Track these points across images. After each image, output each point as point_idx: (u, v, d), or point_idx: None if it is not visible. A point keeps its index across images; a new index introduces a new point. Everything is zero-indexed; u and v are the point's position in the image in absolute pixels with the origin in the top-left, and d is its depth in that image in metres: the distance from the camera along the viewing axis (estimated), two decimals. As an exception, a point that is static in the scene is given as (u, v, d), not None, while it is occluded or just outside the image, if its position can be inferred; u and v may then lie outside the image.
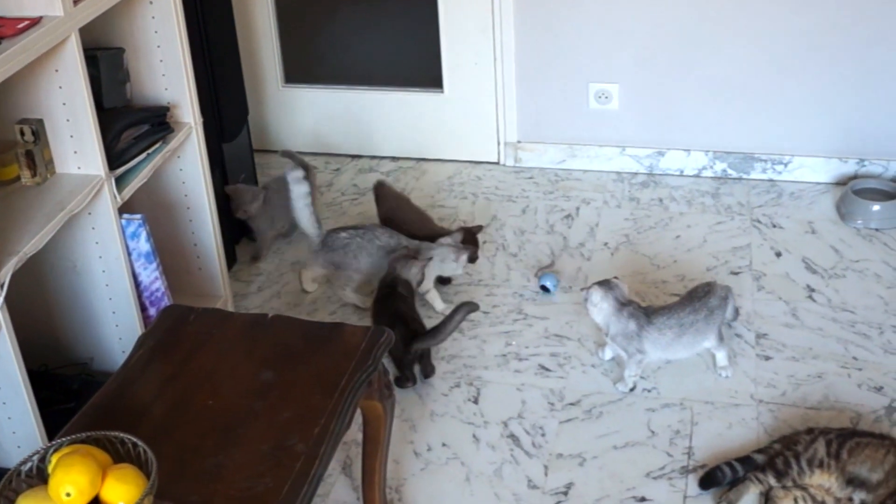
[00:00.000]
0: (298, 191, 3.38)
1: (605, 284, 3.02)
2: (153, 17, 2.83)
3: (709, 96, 4.06)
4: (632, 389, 3.03)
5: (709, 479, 2.69)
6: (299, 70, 4.44)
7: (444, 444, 2.89)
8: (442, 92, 4.29)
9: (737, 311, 3.24)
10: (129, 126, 2.74)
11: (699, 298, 3.02)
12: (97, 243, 2.68)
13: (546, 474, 2.78)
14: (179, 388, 2.21)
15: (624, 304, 2.99)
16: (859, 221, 3.79)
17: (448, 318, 3.07)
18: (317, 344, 2.30)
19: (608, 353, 3.11)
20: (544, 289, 3.47)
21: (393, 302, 3.16)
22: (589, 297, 3.00)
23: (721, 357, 3.06)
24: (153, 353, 2.30)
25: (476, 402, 3.04)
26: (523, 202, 4.04)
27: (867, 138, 4.01)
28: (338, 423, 2.09)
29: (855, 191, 3.87)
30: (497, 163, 4.36)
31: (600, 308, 2.99)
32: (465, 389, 3.08)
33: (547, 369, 3.15)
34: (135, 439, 1.86)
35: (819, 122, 4.03)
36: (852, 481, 2.51)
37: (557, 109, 4.21)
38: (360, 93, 4.38)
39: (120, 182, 2.68)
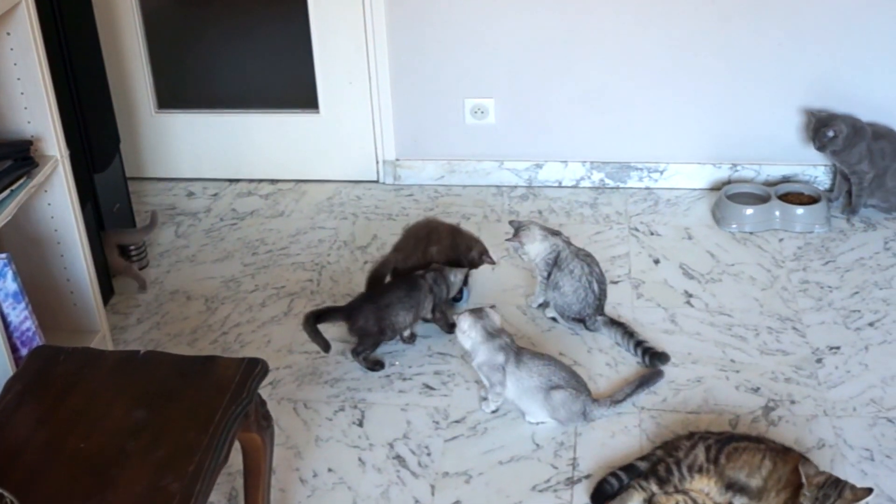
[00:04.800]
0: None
1: (475, 312, 3.00)
2: (11, 49, 2.76)
3: (584, 108, 4.11)
4: (494, 411, 3.04)
5: (598, 494, 2.71)
6: (172, 95, 4.38)
7: (330, 470, 2.86)
8: (318, 112, 4.27)
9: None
10: (-10, 163, 2.67)
11: (580, 384, 2.98)
12: (-38, 285, 2.61)
13: (433, 494, 2.77)
14: (50, 432, 2.15)
15: (493, 335, 2.98)
16: (734, 226, 3.87)
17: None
18: (190, 379, 2.26)
19: (491, 406, 3.06)
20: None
21: (398, 288, 3.27)
22: (458, 325, 2.99)
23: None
24: (22, 398, 2.24)
25: (361, 424, 3.02)
26: (404, 220, 4.04)
27: (739, 144, 4.11)
28: (213, 459, 2.06)
29: (729, 196, 3.95)
30: (376, 181, 4.36)
31: (468, 336, 2.97)
32: (349, 413, 3.06)
33: (431, 388, 3.15)
34: (1, 490, 1.81)
35: (692, 130, 4.11)
36: (731, 486, 2.55)
37: (434, 126, 4.23)
38: (236, 116, 4.34)
39: (-18, 221, 2.61)
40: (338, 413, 3.07)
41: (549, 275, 3.33)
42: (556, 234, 3.36)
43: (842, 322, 3.34)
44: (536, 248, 3.34)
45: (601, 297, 3.31)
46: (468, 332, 2.97)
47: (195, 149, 4.40)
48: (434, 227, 3.53)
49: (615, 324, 3.29)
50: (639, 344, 3.21)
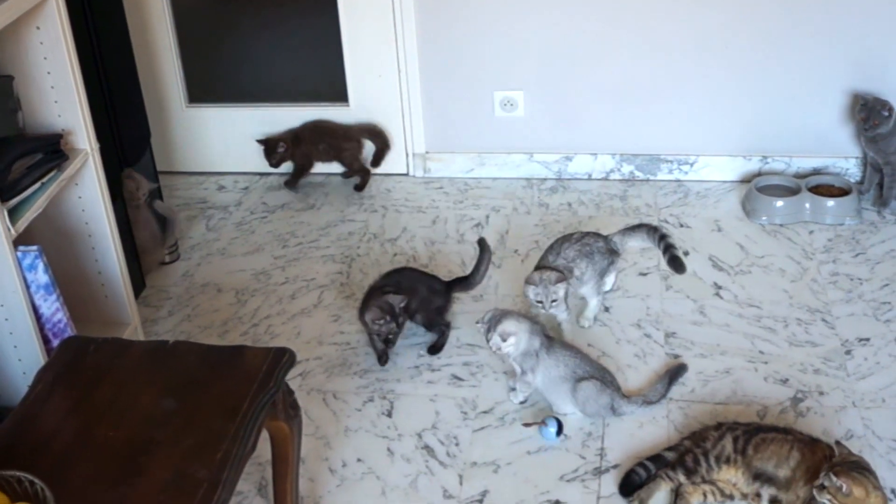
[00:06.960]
0: None
1: (507, 313, 2.94)
2: (41, 43, 2.79)
3: (613, 99, 4.10)
4: (522, 402, 3.04)
5: (626, 484, 2.71)
6: (203, 89, 4.41)
7: (358, 460, 2.88)
8: (347, 105, 4.29)
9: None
10: (22, 156, 2.68)
11: (609, 376, 2.98)
12: (-7, 277, 2.64)
13: (461, 483, 2.78)
14: (80, 421, 2.18)
15: (532, 321, 2.98)
16: (764, 218, 3.86)
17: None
18: (218, 368, 2.28)
19: (519, 396, 3.06)
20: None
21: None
22: (504, 329, 2.90)
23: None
24: (53, 387, 2.27)
25: (390, 415, 3.03)
26: (433, 213, 4.05)
27: (770, 136, 4.08)
28: (240, 448, 2.08)
29: (759, 188, 3.94)
30: (406, 174, 4.37)
31: (518, 335, 2.91)
32: (378, 403, 3.08)
33: (459, 379, 3.16)
34: (31, 478, 1.84)
35: (723, 122, 4.09)
36: (759, 476, 2.55)
37: (464, 119, 4.23)
38: (266, 109, 4.36)
39: (14, 213, 2.63)
40: (367, 404, 3.08)
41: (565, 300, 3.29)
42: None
43: (871, 314, 3.32)
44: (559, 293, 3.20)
45: (606, 237, 3.36)
46: (519, 332, 2.91)
47: (226, 142, 4.43)
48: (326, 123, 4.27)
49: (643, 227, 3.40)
50: (668, 248, 3.29)
